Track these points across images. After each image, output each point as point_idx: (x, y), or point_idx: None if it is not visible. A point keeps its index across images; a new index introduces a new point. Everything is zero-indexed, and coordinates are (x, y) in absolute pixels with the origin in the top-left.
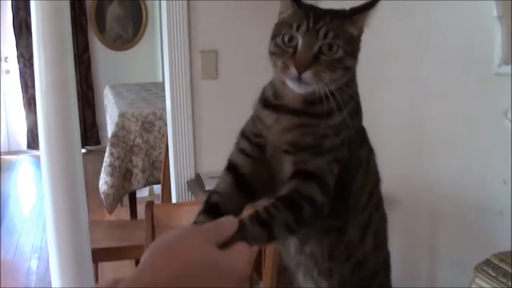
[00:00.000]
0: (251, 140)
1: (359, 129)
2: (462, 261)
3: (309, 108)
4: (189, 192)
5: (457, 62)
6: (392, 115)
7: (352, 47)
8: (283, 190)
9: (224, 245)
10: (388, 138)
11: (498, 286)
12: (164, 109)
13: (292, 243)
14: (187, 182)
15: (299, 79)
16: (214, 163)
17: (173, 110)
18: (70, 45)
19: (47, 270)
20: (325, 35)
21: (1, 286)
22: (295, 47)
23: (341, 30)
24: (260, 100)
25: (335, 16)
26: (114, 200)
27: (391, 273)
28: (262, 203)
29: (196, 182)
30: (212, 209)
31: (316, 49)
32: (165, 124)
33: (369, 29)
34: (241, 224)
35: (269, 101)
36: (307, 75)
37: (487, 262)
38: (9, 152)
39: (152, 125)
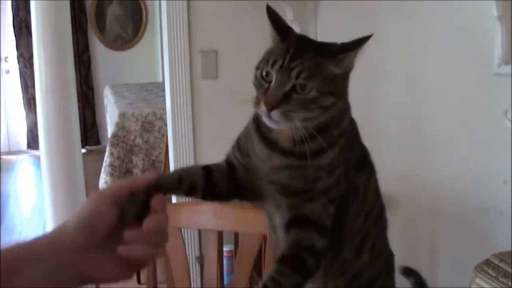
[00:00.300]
0: (242, 155)
1: (356, 158)
2: (462, 261)
3: (296, 148)
4: None
5: (457, 62)
6: (392, 115)
7: (331, 87)
8: (284, 247)
9: None
10: (388, 138)
11: (498, 286)
12: (164, 109)
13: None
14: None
15: (269, 116)
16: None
17: (173, 110)
18: (70, 45)
19: None
20: (298, 75)
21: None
22: (270, 82)
23: (319, 69)
24: (254, 120)
25: (317, 54)
26: None
27: (394, 274)
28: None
29: None
30: (207, 170)
31: (287, 88)
32: (165, 124)
33: (369, 29)
34: None
35: (261, 128)
36: (276, 113)
37: (487, 262)
38: (9, 152)
39: (152, 125)
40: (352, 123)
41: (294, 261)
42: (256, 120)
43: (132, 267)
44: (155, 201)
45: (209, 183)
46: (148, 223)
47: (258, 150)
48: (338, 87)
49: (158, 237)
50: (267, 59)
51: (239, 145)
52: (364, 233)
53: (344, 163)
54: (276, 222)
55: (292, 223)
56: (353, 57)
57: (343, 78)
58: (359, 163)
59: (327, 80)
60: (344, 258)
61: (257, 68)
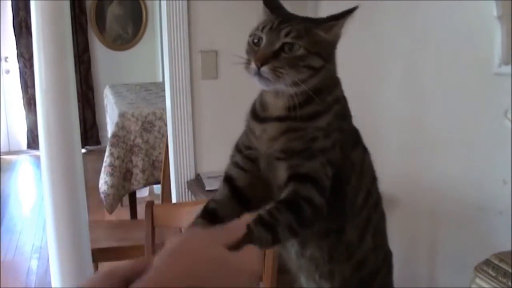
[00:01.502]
0: (243, 152)
1: (350, 132)
2: (462, 261)
3: (292, 113)
4: (189, 192)
5: (457, 62)
6: (392, 115)
7: (319, 48)
8: (282, 194)
9: (232, 248)
10: (388, 138)
11: (498, 286)
12: (164, 109)
13: (292, 247)
14: (187, 182)
15: (259, 74)
16: (214, 163)
17: (173, 110)
18: (70, 45)
19: (47, 270)
20: (287, 34)
21: (1, 286)
22: (260, 46)
23: (307, 32)
24: (251, 112)
25: (306, 21)
26: (114, 200)
27: (393, 273)
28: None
29: (196, 182)
30: (210, 215)
31: (276, 46)
32: (165, 124)
33: (369, 29)
34: (247, 228)
35: (257, 113)
36: (265, 69)
37: (487, 262)
38: (9, 152)
39: (152, 125)
40: (344, 98)
41: (292, 205)
42: (252, 110)
43: None
44: None
45: (217, 223)
46: None
47: (257, 131)
48: (326, 51)
49: None
50: (258, 26)
51: (238, 148)
52: (366, 214)
53: (339, 131)
54: None
55: (291, 179)
56: (340, 27)
57: (331, 46)
58: (354, 137)
59: (315, 42)
60: (348, 240)
61: (250, 35)
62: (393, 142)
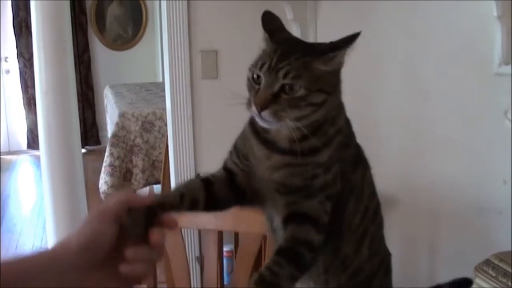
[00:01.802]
0: (241, 160)
1: (351, 156)
2: (462, 261)
3: (295, 146)
4: None
5: (457, 62)
6: (392, 115)
7: (321, 84)
8: (281, 240)
9: None
10: (388, 138)
11: (498, 286)
12: (164, 109)
13: None
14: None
15: (260, 117)
16: (214, 163)
17: (173, 110)
18: (70, 45)
19: None
20: (285, 75)
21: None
22: (260, 85)
23: (306, 69)
24: (250, 126)
25: (305, 54)
26: None
27: (391, 274)
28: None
29: None
30: (207, 183)
31: (276, 89)
32: (165, 124)
33: (369, 29)
34: None
35: (258, 130)
36: (266, 114)
37: (487, 262)
38: (9, 152)
39: (152, 125)
40: (347, 122)
41: (291, 254)
42: (252, 123)
43: (131, 282)
44: (168, 219)
45: (210, 196)
46: (157, 238)
47: (257, 151)
48: (328, 84)
49: (156, 254)
50: (257, 62)
51: (237, 150)
52: (363, 229)
53: (340, 161)
54: (276, 224)
55: (290, 219)
56: (343, 55)
57: (334, 76)
58: (355, 160)
59: (316, 78)
60: (344, 254)
61: (249, 70)
62: (393, 142)
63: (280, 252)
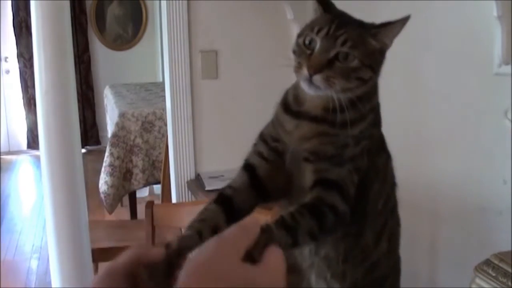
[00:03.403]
0: (269, 143)
1: (377, 138)
2: (462, 261)
3: (329, 116)
4: (189, 192)
5: (457, 62)
6: (392, 115)
7: (371, 60)
8: (306, 198)
9: (252, 249)
10: (387, 138)
11: (498, 286)
12: (164, 109)
13: (308, 250)
14: (187, 182)
15: (310, 81)
16: (214, 163)
17: (173, 110)
18: (70, 45)
19: (47, 270)
20: (343, 43)
21: (1, 286)
22: (313, 49)
23: (362, 41)
24: (281, 104)
25: (360, 26)
26: (114, 200)
27: (400, 278)
28: (280, 208)
29: (196, 182)
30: (224, 201)
31: (331, 54)
32: (165, 124)
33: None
34: (268, 228)
35: (290, 106)
36: (317, 78)
37: (487, 262)
38: (9, 152)
39: (152, 125)
40: (378, 103)
41: (315, 211)
42: (284, 102)
43: None
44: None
45: (230, 213)
46: None
47: (288, 125)
48: (376, 62)
49: None
50: (312, 27)
51: (264, 137)
52: (384, 219)
53: (369, 138)
54: None
55: (317, 184)
56: (392, 36)
57: (381, 55)
58: (380, 144)
59: (368, 53)
60: (365, 242)
61: (300, 35)
62: (393, 142)
63: (305, 205)
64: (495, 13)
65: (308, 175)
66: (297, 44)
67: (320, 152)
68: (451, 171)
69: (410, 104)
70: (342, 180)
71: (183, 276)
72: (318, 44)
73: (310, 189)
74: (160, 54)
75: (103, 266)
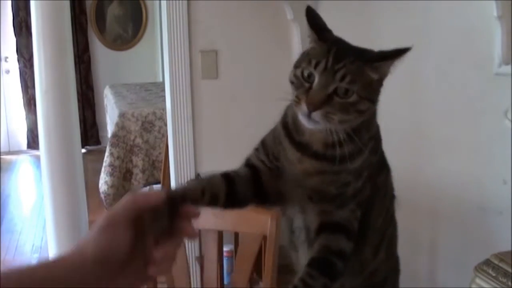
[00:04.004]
0: (270, 158)
1: (378, 160)
2: (462, 261)
3: (329, 152)
4: None
5: (457, 62)
6: (392, 115)
7: (369, 92)
8: (313, 249)
9: None
10: (387, 138)
11: (498, 286)
12: (164, 109)
13: (304, 255)
14: (187, 182)
15: (309, 116)
16: (214, 163)
17: (173, 110)
18: (70, 45)
19: None
20: (342, 78)
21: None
22: (312, 83)
23: (360, 74)
24: (283, 125)
25: (357, 58)
26: (114, 200)
27: (399, 277)
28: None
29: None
30: (228, 180)
31: (330, 90)
32: (165, 124)
33: (369, 29)
34: None
35: (291, 133)
36: (317, 114)
37: (487, 262)
38: (9, 152)
39: (152, 125)
40: (377, 127)
41: (324, 265)
42: (285, 125)
43: (148, 280)
44: (190, 209)
45: (230, 192)
46: (192, 232)
47: (289, 154)
48: (374, 93)
49: (179, 244)
50: (309, 60)
51: (266, 148)
52: (382, 231)
53: (369, 167)
54: (296, 225)
55: (322, 229)
56: (390, 66)
57: (378, 85)
58: (380, 163)
59: (366, 85)
60: (364, 257)
61: (297, 67)
62: (393, 141)
63: (313, 263)
64: (495, 13)
65: (312, 215)
66: (295, 75)
67: (322, 192)
68: (451, 171)
69: (410, 104)
70: (345, 221)
71: None
72: (316, 79)
73: (315, 232)
74: (160, 54)
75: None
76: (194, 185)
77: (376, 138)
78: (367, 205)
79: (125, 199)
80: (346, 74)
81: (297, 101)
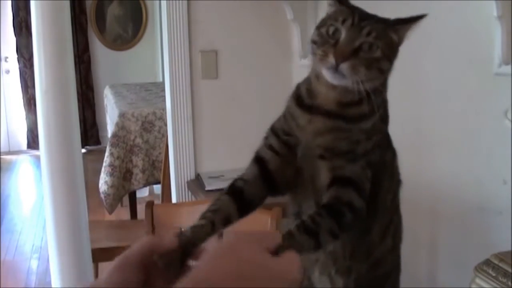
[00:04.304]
0: (281, 137)
1: (385, 133)
2: (462, 261)
3: (343, 111)
4: (189, 192)
5: (457, 62)
6: (392, 115)
7: (390, 52)
8: (324, 198)
9: (274, 253)
10: None
11: (498, 286)
12: (164, 109)
13: None
14: (187, 182)
15: (335, 70)
16: (214, 163)
17: (173, 110)
18: (70, 45)
19: (47, 270)
20: (368, 33)
21: (1, 286)
22: (338, 39)
23: (384, 33)
24: (293, 97)
25: (379, 20)
26: (114, 200)
27: (400, 276)
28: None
29: (196, 182)
30: (236, 192)
31: (357, 44)
32: (165, 124)
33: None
34: (290, 233)
35: (303, 100)
36: (345, 66)
37: (487, 262)
38: (9, 152)
39: (152, 125)
40: (387, 101)
41: (334, 211)
42: (297, 96)
43: None
44: (202, 250)
45: (241, 204)
46: None
47: (300, 120)
48: (394, 55)
49: None
50: (335, 17)
51: (275, 131)
52: (390, 215)
53: (379, 132)
54: (304, 208)
55: (333, 183)
56: (407, 30)
57: (396, 49)
58: (388, 140)
59: (389, 45)
60: (371, 239)
61: (321, 26)
62: (393, 142)
63: (324, 206)
64: (495, 13)
65: (324, 173)
66: (319, 34)
67: (334, 148)
68: (451, 171)
69: (410, 104)
70: (357, 177)
71: (206, 252)
72: (343, 34)
73: (327, 187)
74: (160, 54)
75: (104, 266)
76: (202, 222)
77: (385, 108)
78: (376, 174)
79: (140, 242)
80: (371, 30)
81: (323, 54)
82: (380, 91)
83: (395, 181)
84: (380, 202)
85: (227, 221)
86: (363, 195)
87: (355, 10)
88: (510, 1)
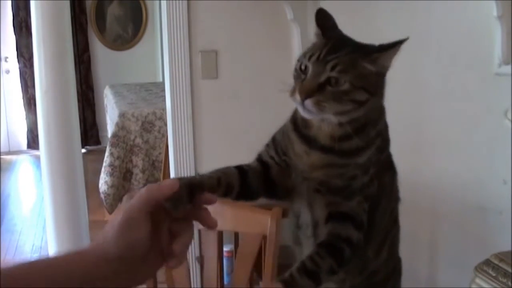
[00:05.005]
0: (279, 154)
1: (385, 158)
2: (462, 261)
3: (336, 145)
4: None
5: (457, 62)
6: (392, 115)
7: (365, 82)
8: (321, 235)
9: None
10: None
11: (498, 286)
12: (164, 109)
13: (309, 251)
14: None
15: (302, 105)
16: (214, 163)
17: (173, 110)
18: (70, 45)
19: None
20: (333, 68)
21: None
22: (306, 74)
23: (353, 65)
24: (292, 121)
25: (353, 51)
26: (114, 200)
27: (401, 279)
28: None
29: None
30: (241, 172)
31: (322, 79)
32: (165, 124)
33: (369, 29)
34: (291, 278)
35: (299, 127)
36: (308, 102)
37: (487, 262)
38: (9, 152)
39: (152, 125)
40: (386, 127)
41: (332, 248)
42: (294, 120)
43: (157, 269)
44: (207, 196)
45: (243, 184)
46: (211, 220)
47: (297, 148)
48: (372, 85)
49: (193, 231)
50: (305, 53)
51: (275, 144)
52: (386, 231)
53: (376, 164)
54: (303, 220)
55: (331, 218)
56: (389, 58)
57: (378, 77)
58: (387, 163)
59: (361, 76)
60: (366, 256)
61: (298, 61)
62: (393, 142)
63: (322, 245)
64: (495, 13)
65: (320, 207)
66: (295, 69)
67: (329, 184)
68: (451, 171)
69: (410, 104)
70: (353, 211)
71: None
72: (310, 70)
73: (324, 222)
74: (160, 54)
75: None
76: (211, 174)
77: (383, 137)
78: (373, 203)
79: (139, 193)
80: (337, 64)
81: (292, 91)
82: (374, 121)
83: (393, 199)
84: (377, 223)
85: (229, 190)
86: (360, 228)
87: (330, 41)
88: (510, 1)
